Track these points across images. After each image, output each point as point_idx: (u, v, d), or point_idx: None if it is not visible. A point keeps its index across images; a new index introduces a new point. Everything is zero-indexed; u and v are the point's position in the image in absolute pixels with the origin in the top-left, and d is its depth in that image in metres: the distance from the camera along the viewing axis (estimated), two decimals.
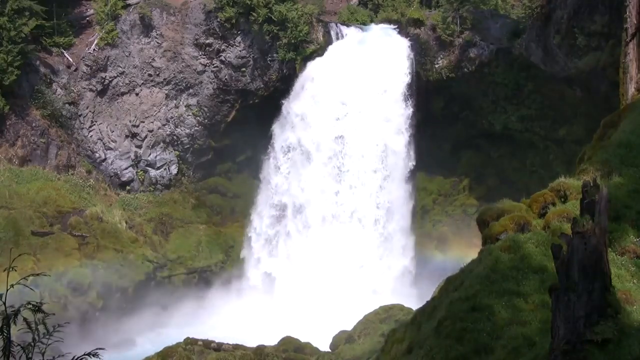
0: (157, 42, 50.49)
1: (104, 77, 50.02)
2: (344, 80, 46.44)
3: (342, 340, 34.44)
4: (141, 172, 51.06)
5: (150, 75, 50.53)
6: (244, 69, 50.11)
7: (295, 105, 47.83)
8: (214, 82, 50.67)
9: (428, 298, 19.47)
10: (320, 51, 48.27)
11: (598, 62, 37.90)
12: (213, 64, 50.43)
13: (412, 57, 47.46)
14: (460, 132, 49.23)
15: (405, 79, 47.02)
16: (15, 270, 7.90)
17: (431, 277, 39.39)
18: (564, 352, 9.94)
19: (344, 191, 46.92)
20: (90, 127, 50.13)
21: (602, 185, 12.09)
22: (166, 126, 51.21)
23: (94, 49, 49.76)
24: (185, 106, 51.08)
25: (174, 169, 51.66)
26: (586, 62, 38.85)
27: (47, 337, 7.44)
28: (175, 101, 51.03)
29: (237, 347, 34.95)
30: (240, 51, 49.93)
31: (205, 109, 51.06)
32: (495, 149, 48.65)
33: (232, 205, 52.22)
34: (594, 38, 38.34)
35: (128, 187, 50.83)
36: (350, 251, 45.35)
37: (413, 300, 37.67)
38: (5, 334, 7.41)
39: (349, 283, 43.88)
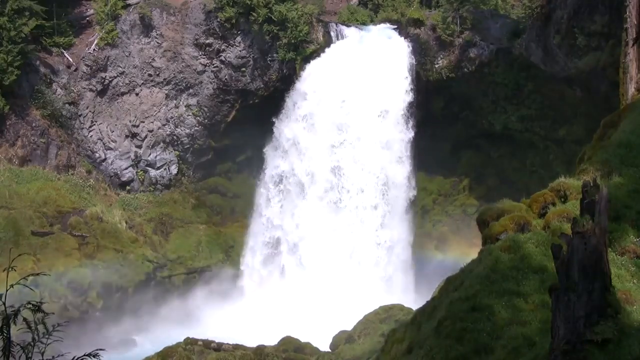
0: (157, 42, 50.48)
1: (104, 77, 50.02)
2: (343, 79, 46.25)
3: (342, 340, 34.45)
4: (141, 172, 51.05)
5: (150, 75, 50.52)
6: (244, 69, 50.09)
7: (287, 128, 46.56)
8: (214, 82, 50.66)
9: (428, 298, 19.47)
10: (319, 51, 48.20)
11: (598, 62, 37.88)
12: (213, 64, 50.42)
13: (412, 58, 47.34)
14: (460, 132, 49.18)
15: (407, 97, 45.68)
16: (15, 270, 7.92)
17: (431, 277, 39.32)
18: (564, 352, 9.94)
19: (342, 229, 44.93)
20: (90, 127, 50.13)
21: (602, 185, 12.09)
22: (166, 126, 51.20)
23: (94, 49, 49.76)
24: (185, 106, 51.06)
25: (174, 169, 51.64)
26: (586, 62, 38.83)
27: (47, 336, 7.45)
28: (175, 101, 51.02)
29: (237, 347, 34.96)
30: (240, 51, 49.92)
31: (205, 109, 51.04)
32: (495, 149, 48.61)
33: (232, 205, 52.21)
34: (594, 38, 38.32)
35: (128, 187, 50.82)
36: (349, 293, 42.28)
37: (413, 300, 37.67)
38: (5, 334, 7.42)
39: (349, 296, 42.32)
